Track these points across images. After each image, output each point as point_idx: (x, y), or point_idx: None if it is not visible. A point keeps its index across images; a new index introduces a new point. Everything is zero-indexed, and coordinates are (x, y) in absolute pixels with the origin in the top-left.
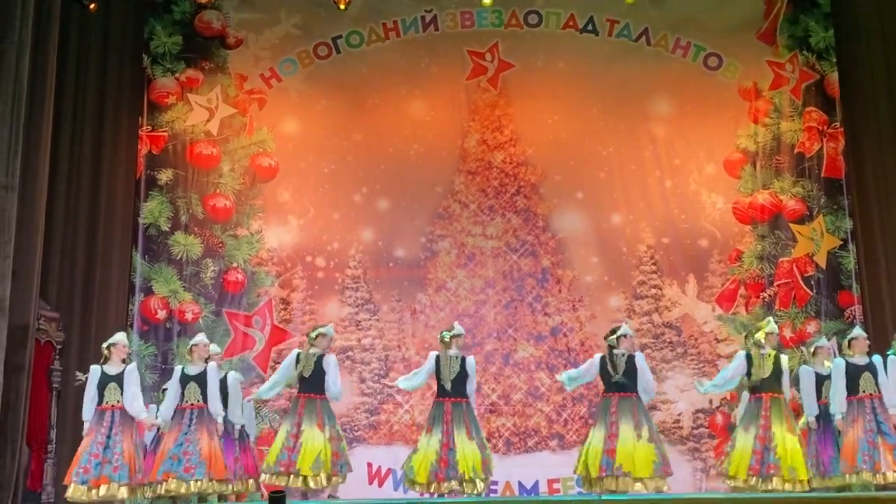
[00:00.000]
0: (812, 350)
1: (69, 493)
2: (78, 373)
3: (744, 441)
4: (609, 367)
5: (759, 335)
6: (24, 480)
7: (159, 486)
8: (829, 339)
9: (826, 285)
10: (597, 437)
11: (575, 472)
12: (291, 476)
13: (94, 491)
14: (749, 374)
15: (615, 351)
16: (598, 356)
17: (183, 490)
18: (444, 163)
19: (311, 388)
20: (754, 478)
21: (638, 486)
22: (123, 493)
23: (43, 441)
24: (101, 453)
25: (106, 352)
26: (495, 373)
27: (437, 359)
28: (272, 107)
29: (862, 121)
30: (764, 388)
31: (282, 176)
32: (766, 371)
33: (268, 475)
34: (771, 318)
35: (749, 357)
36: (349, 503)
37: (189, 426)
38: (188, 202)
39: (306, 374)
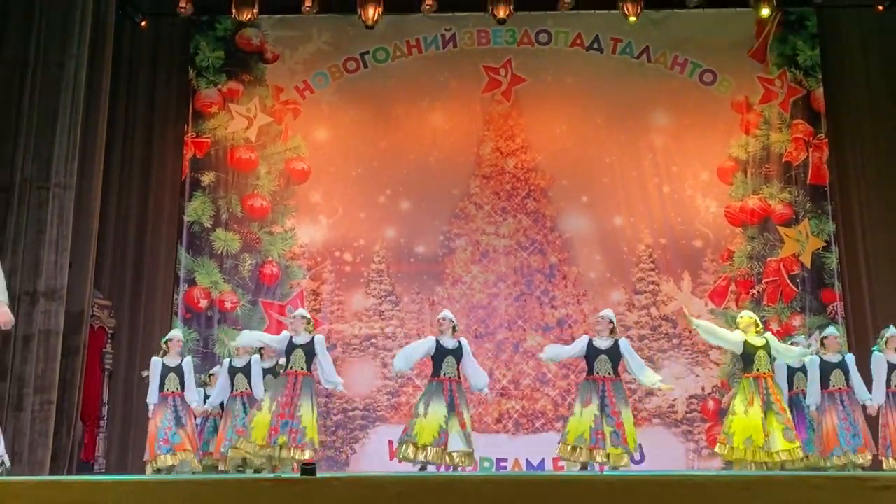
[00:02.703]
0: (820, 340)
1: (156, 464)
2: (143, 372)
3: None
4: None
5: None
6: (79, 452)
7: (222, 461)
8: (810, 335)
9: (810, 283)
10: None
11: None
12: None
13: (176, 455)
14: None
15: None
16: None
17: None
18: (461, 168)
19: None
20: None
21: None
22: (195, 464)
23: (96, 417)
24: (173, 426)
25: (164, 346)
26: (506, 360)
27: None
28: (305, 116)
29: (845, 133)
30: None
31: (314, 179)
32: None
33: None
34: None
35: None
36: (369, 476)
37: (244, 410)
38: (228, 202)
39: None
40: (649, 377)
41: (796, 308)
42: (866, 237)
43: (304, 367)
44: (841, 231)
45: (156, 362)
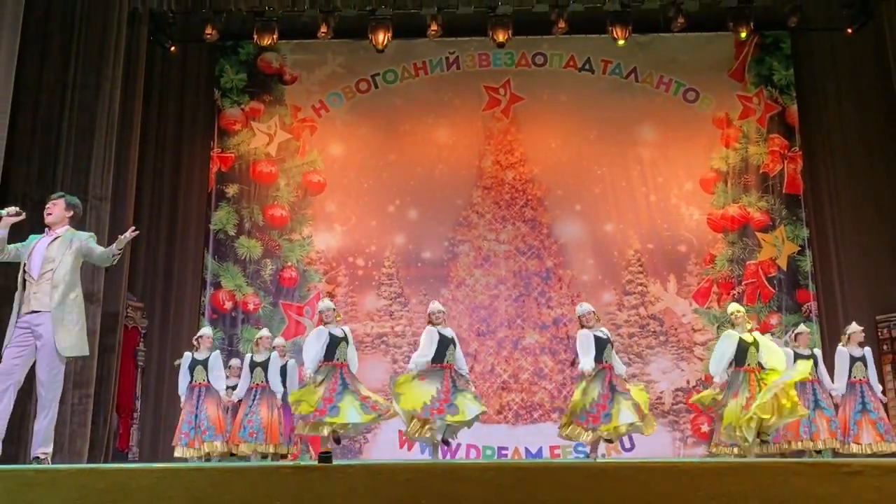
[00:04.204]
0: (793, 336)
1: (176, 454)
2: (177, 362)
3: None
4: None
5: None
6: (114, 442)
7: (235, 447)
8: (787, 332)
9: (786, 284)
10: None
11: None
12: None
13: (192, 450)
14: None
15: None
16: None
17: (247, 450)
18: (463, 180)
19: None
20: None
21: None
22: (217, 447)
23: (129, 409)
24: (193, 421)
25: (196, 342)
26: (506, 356)
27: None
28: (321, 133)
29: (817, 146)
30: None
31: (329, 190)
32: None
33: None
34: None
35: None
36: (381, 463)
37: (254, 401)
38: (251, 212)
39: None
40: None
41: (774, 307)
42: (838, 241)
43: (343, 359)
44: (814, 236)
45: (186, 356)
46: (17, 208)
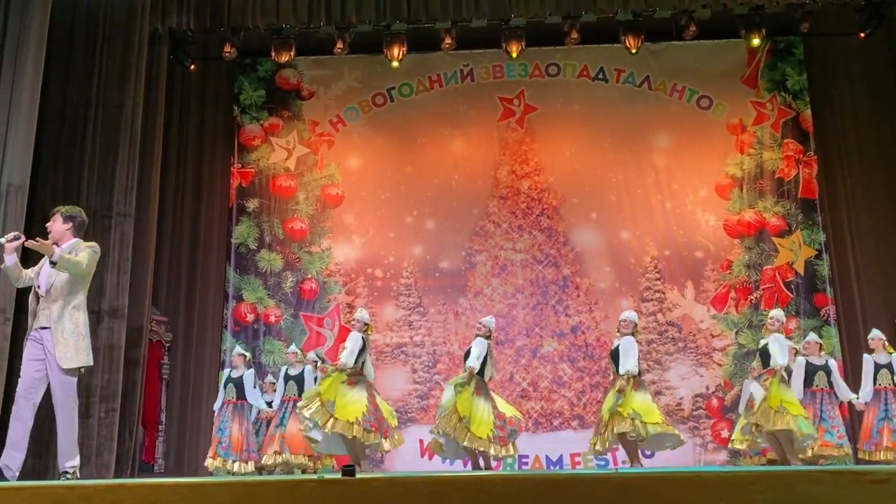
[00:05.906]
0: (804, 345)
1: (216, 464)
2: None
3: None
4: None
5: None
6: (140, 454)
7: (271, 457)
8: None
9: (804, 289)
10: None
11: None
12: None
13: (214, 461)
14: None
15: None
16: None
17: (280, 461)
18: (480, 190)
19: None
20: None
21: None
22: (233, 467)
23: (155, 422)
24: (219, 435)
25: (231, 360)
26: (525, 364)
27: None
28: (339, 146)
29: (832, 150)
30: None
31: (347, 203)
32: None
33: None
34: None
35: None
36: (403, 476)
37: (285, 414)
38: (271, 225)
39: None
40: (623, 366)
41: (791, 312)
42: (854, 245)
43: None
44: (831, 240)
45: (224, 373)
46: (16, 233)
